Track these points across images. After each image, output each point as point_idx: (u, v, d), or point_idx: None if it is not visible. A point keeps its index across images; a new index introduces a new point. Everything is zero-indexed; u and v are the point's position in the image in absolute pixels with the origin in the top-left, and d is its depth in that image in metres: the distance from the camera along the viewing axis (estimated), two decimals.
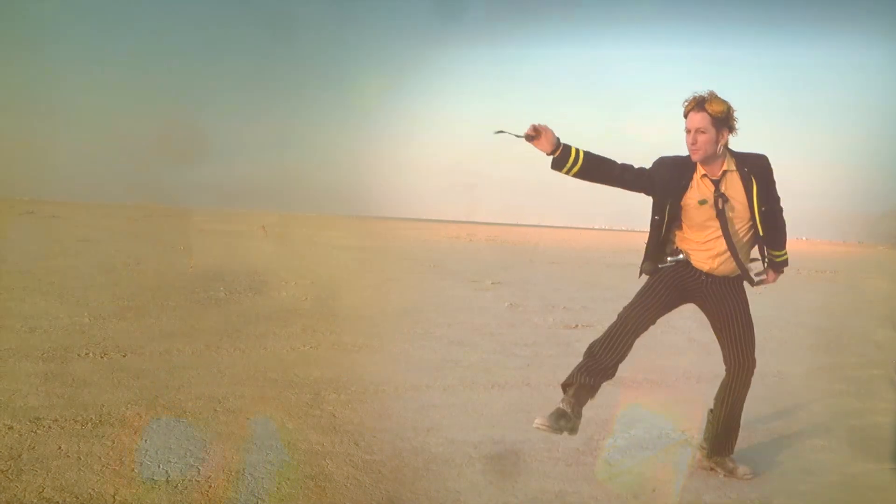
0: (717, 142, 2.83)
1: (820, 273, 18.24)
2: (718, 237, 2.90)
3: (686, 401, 4.16)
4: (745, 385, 3.03)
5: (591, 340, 2.98)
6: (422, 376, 4.53)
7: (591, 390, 2.90)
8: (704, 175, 2.90)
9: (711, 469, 3.11)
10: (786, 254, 3.12)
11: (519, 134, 2.86)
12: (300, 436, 3.29)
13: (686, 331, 6.38)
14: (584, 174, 2.91)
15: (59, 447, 3.00)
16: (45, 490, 2.59)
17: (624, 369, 3.01)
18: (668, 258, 3.00)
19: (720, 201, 2.87)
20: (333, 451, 3.12)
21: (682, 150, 2.91)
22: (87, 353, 4.66)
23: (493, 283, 10.54)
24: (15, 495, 2.54)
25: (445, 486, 2.84)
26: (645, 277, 3.05)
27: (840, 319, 9.00)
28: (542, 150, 2.87)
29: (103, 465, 2.83)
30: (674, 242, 3.03)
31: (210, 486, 2.71)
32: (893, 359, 6.06)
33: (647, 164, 3.00)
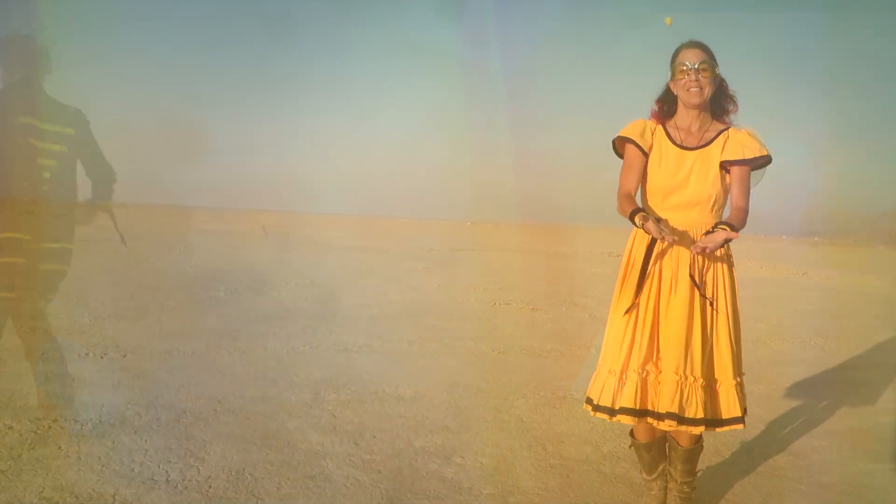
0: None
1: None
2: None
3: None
4: None
5: None
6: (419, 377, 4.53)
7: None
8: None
9: None
10: None
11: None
12: (300, 435, 3.30)
13: None
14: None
15: (59, 447, 3.00)
16: (45, 490, 2.59)
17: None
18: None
19: None
20: (333, 452, 3.13)
21: None
22: (87, 353, 4.67)
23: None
24: (15, 495, 2.55)
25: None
26: None
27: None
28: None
29: (103, 465, 2.84)
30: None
31: (210, 486, 2.71)
32: (893, 359, 6.07)
33: None
